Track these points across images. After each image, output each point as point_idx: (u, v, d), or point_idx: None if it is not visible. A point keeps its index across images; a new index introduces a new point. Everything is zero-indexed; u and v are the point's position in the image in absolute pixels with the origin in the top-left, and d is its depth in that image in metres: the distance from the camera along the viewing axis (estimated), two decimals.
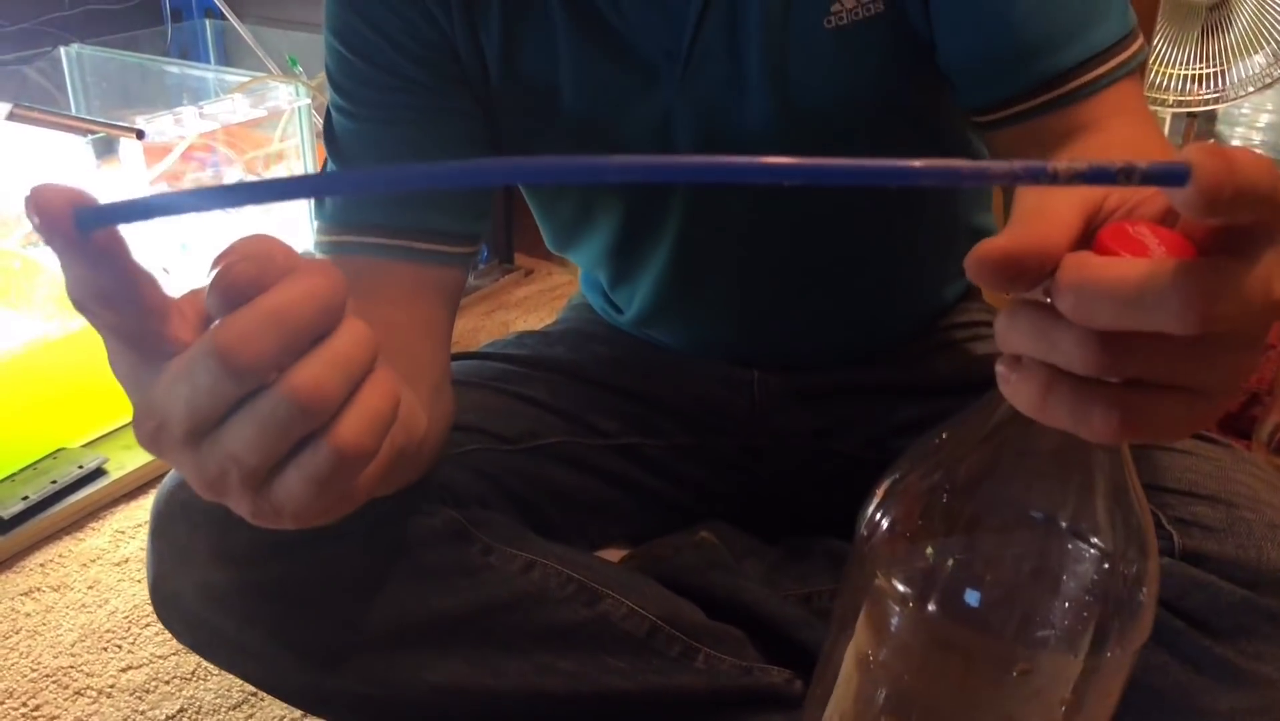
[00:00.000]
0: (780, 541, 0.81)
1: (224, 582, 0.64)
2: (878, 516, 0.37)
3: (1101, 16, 0.59)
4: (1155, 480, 0.61)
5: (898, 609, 0.36)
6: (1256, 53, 1.55)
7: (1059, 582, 0.35)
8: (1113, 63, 0.59)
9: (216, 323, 0.33)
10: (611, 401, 0.82)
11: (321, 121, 0.71)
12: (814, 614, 0.70)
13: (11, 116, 1.27)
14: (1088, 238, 0.31)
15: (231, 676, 0.91)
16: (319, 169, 0.71)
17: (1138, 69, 0.60)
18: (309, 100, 1.50)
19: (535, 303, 1.70)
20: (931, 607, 0.35)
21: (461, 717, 0.67)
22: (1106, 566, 0.34)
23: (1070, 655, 0.35)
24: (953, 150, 0.75)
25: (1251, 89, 1.55)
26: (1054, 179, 0.27)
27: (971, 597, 0.34)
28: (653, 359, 0.83)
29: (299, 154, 1.55)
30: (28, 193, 0.31)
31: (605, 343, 0.86)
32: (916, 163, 0.27)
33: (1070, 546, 0.35)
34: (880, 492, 0.37)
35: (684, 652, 0.69)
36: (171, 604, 0.67)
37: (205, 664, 0.93)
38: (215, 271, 0.33)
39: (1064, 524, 0.35)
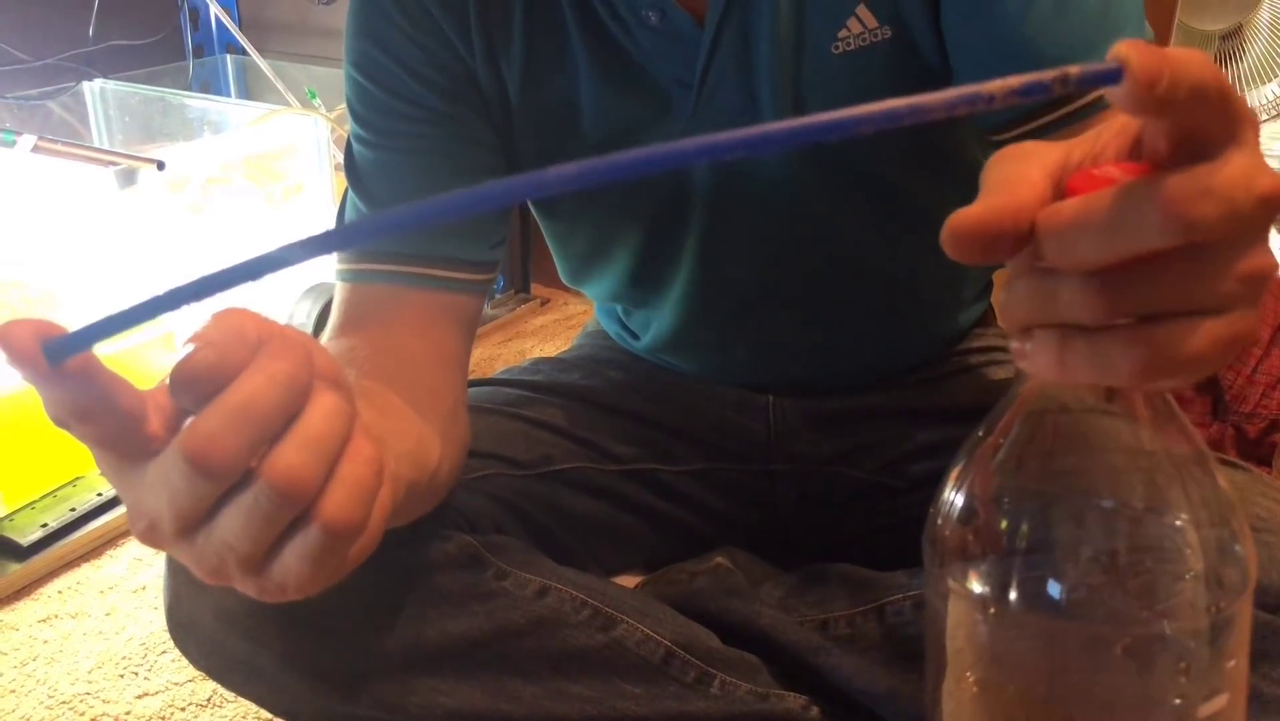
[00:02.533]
0: (797, 567, 0.81)
1: (239, 607, 0.64)
2: (945, 533, 0.36)
3: (1115, 31, 0.59)
4: None
5: (982, 619, 0.35)
6: (1269, 81, 1.55)
7: (1150, 562, 0.34)
8: None
9: (186, 423, 0.33)
10: (627, 427, 0.82)
11: (340, 154, 0.72)
12: (831, 639, 0.69)
13: (36, 149, 1.29)
14: (1059, 198, 0.31)
15: (246, 703, 0.91)
16: (339, 200, 0.72)
17: None
18: (328, 132, 1.52)
19: (552, 331, 1.71)
20: (1022, 609, 0.34)
21: None
22: (1192, 534, 0.34)
23: (1183, 625, 0.34)
24: (966, 173, 0.75)
25: (1265, 118, 1.55)
26: (990, 101, 0.27)
27: (1058, 592, 0.34)
28: (668, 384, 0.84)
29: (318, 186, 1.57)
30: None
31: (620, 368, 0.86)
32: (851, 111, 0.27)
33: (1149, 524, 0.34)
34: (940, 512, 0.37)
35: (699, 678, 0.68)
36: (187, 628, 0.67)
37: (221, 691, 0.93)
38: (176, 362, 0.33)
39: (1137, 503, 0.34)
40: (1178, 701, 0.35)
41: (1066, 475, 0.35)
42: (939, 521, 0.36)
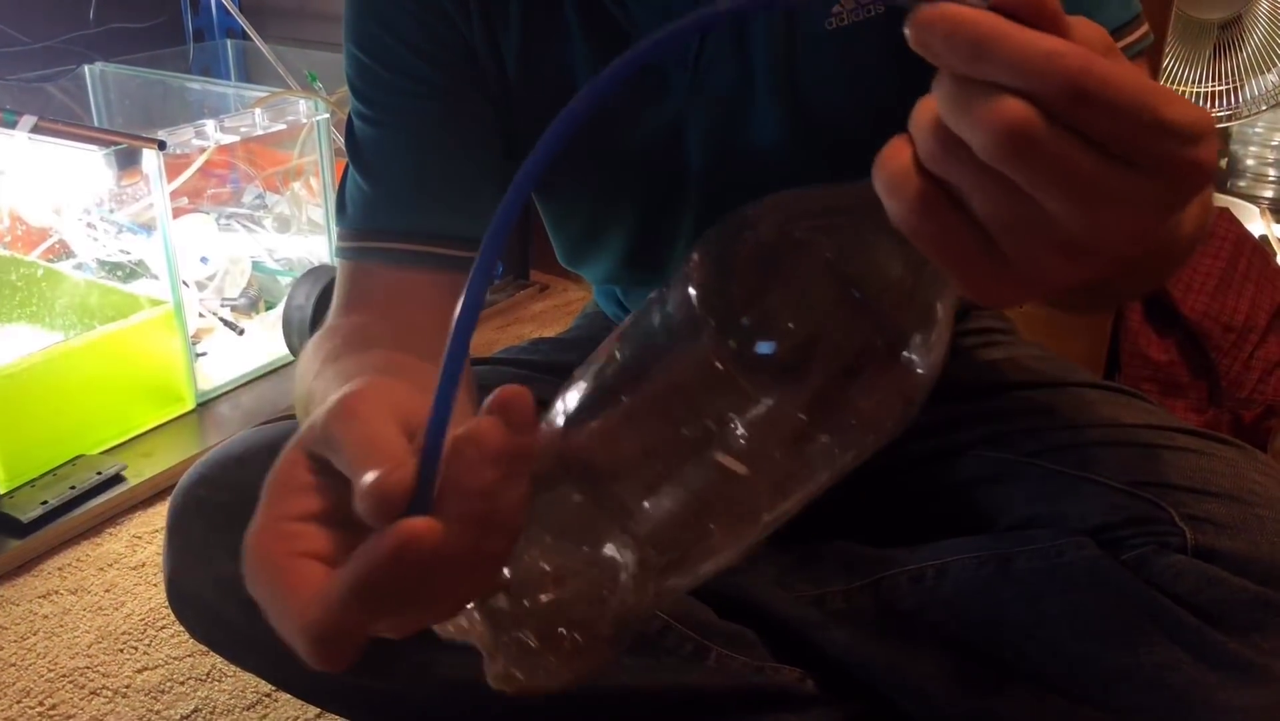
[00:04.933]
0: (792, 546, 0.81)
1: (238, 576, 0.64)
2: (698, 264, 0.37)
3: (1104, 1, 0.59)
4: (1167, 478, 0.61)
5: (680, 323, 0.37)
6: (1269, 71, 1.55)
7: (828, 326, 0.35)
8: (1118, 45, 0.59)
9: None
10: None
11: (340, 137, 0.72)
12: (827, 614, 0.70)
13: (36, 130, 1.30)
14: None
15: (244, 677, 0.92)
16: (337, 183, 0.72)
17: (1144, 53, 0.60)
18: (328, 115, 1.52)
19: (551, 317, 1.72)
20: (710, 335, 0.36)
21: (471, 712, 0.67)
22: (876, 323, 0.35)
23: (798, 403, 0.35)
24: None
25: (1264, 107, 1.56)
26: None
27: (747, 330, 0.35)
28: None
29: (318, 168, 1.57)
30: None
31: None
32: None
33: (850, 296, 0.35)
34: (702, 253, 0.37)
35: (696, 651, 0.69)
36: (187, 599, 0.67)
37: (220, 665, 0.94)
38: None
39: (853, 277, 0.35)
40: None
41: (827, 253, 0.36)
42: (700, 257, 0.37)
